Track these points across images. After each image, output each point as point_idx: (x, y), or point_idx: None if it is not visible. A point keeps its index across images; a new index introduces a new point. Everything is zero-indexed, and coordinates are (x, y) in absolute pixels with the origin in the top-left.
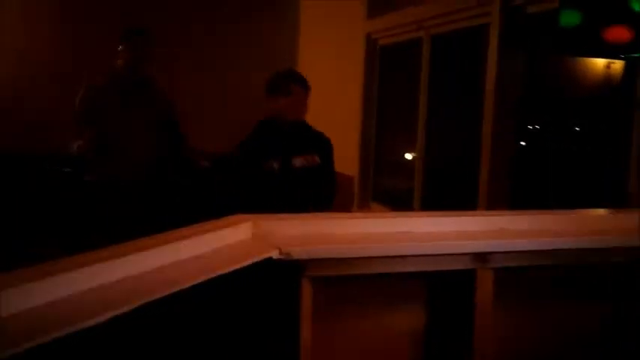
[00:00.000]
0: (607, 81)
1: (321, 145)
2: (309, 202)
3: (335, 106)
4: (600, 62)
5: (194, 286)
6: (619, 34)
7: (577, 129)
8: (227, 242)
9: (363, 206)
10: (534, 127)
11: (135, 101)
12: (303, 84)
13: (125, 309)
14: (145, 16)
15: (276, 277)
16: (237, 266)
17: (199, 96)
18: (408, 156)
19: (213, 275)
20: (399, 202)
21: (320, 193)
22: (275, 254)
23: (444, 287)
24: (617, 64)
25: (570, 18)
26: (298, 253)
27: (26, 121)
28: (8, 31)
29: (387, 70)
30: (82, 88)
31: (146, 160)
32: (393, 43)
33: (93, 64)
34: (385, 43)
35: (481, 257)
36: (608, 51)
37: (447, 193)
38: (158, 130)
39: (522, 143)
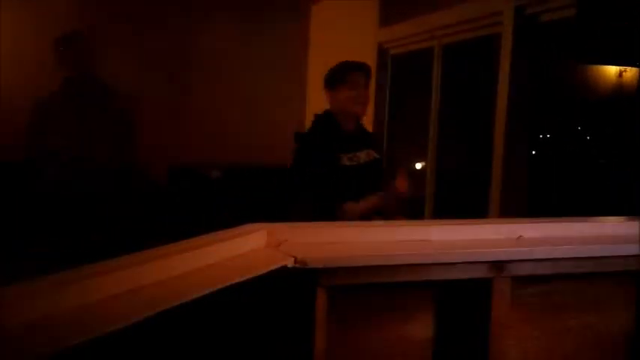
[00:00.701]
0: (619, 89)
1: (375, 140)
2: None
3: None
4: (612, 70)
5: (208, 295)
6: None
7: (588, 137)
8: (241, 251)
9: None
10: (545, 136)
11: (87, 107)
12: (362, 71)
13: (138, 318)
14: (152, 20)
15: (291, 286)
16: (252, 275)
17: (210, 107)
18: (419, 165)
19: (227, 284)
20: (410, 212)
21: (380, 186)
22: (290, 263)
23: (459, 296)
24: (630, 72)
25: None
26: (314, 261)
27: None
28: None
29: (399, 79)
30: (32, 100)
31: (106, 167)
32: (405, 53)
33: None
34: (397, 53)
35: (498, 266)
36: (625, 58)
37: (458, 202)
38: (113, 136)
39: (533, 152)
